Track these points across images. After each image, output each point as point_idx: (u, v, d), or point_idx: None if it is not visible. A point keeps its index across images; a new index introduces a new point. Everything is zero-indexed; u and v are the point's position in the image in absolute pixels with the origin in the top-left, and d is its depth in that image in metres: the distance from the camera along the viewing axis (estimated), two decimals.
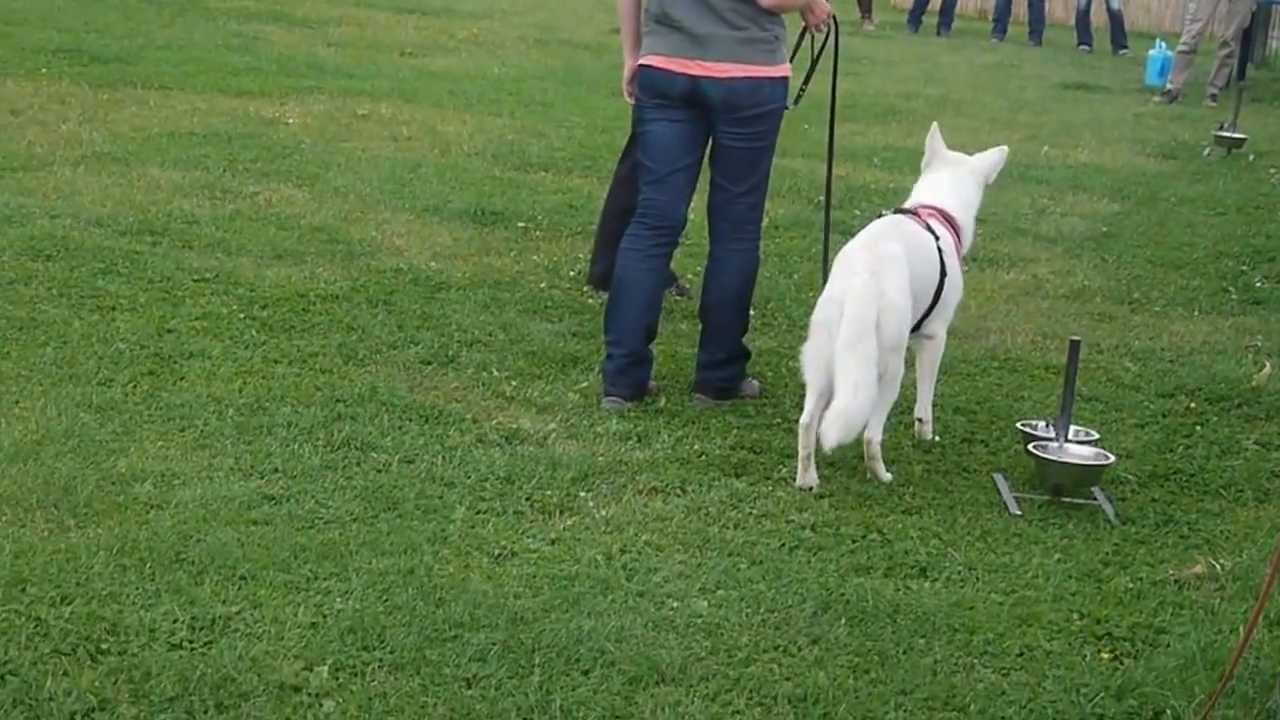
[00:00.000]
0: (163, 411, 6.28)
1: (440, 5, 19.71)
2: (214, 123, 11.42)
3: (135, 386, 6.51)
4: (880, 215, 6.84)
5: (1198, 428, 7.01)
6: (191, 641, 4.59)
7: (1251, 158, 13.60)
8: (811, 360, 6.18)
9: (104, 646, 4.52)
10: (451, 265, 8.59)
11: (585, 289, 8.33)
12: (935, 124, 7.23)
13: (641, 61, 6.91)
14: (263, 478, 5.77)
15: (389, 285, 8.12)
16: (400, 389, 6.73)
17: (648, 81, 6.87)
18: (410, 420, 6.40)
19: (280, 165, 10.39)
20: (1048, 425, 6.41)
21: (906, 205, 6.89)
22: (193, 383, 6.62)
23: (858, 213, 10.39)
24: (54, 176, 9.46)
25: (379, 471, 5.91)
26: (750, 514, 5.82)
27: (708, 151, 6.98)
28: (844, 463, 6.29)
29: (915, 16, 23.01)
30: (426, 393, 6.74)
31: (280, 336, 7.27)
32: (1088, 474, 6.17)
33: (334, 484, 5.76)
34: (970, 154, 7.09)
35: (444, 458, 6.06)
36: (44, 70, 12.49)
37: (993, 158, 7.07)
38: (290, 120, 11.83)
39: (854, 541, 5.63)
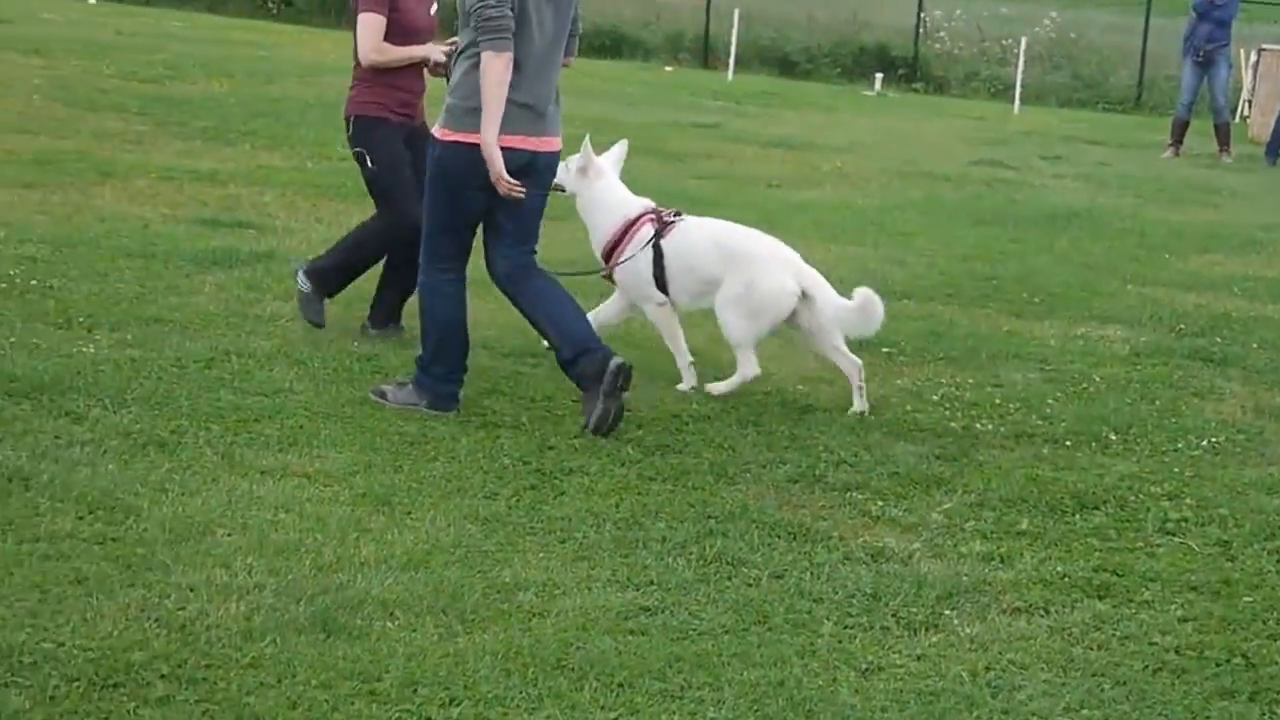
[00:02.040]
0: (544, 524, 6.59)
1: (805, 140, 20.05)
2: (587, 253, 11.77)
3: (518, 500, 6.84)
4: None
5: None
6: None
7: None
8: None
9: None
10: (818, 388, 8.80)
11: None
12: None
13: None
14: (639, 589, 6.01)
15: (758, 407, 8.37)
16: (769, 506, 6.95)
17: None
18: (779, 537, 6.61)
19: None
20: None
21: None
22: (572, 497, 6.93)
23: (1219, 340, 10.36)
24: None
25: (749, 586, 6.12)
26: (1113, 636, 5.87)
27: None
28: (1206, 587, 6.31)
29: (1274, 148, 22.58)
30: (795, 510, 6.95)
31: (655, 455, 7.55)
32: None
33: (706, 597, 5.98)
34: None
35: (812, 574, 6.25)
36: None
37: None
38: None
39: (1218, 665, 5.64)
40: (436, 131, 7.80)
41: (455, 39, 8.04)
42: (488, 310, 9.79)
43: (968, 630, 5.85)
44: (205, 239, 11.03)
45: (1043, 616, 6.02)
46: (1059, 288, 11.97)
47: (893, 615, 5.93)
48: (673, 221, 8.64)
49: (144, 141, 14.93)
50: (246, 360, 8.37)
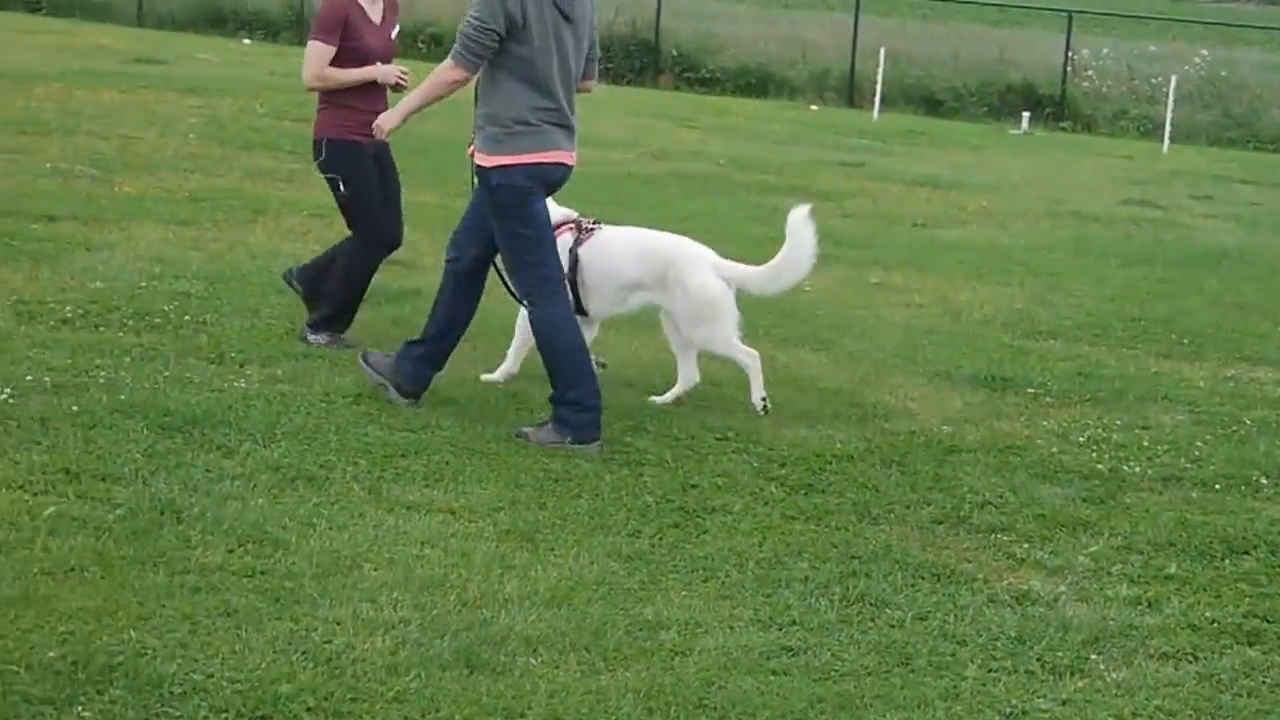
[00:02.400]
0: (687, 562, 6.61)
1: (951, 179, 19.97)
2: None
3: (661, 538, 6.86)
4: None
5: None
6: None
7: None
8: None
9: None
10: (963, 429, 8.76)
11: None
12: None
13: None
14: (781, 629, 6.02)
15: (902, 447, 8.34)
16: (913, 547, 6.93)
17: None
18: (923, 578, 6.59)
19: (798, 330, 10.75)
20: None
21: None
22: (715, 536, 6.94)
23: None
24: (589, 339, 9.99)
25: (892, 627, 6.10)
26: (1263, 683, 5.79)
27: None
28: None
29: None
30: (938, 552, 6.92)
31: (797, 494, 7.55)
32: None
33: (849, 638, 5.97)
34: None
35: (956, 616, 6.22)
36: None
37: None
38: (807, 288, 12.17)
39: None
40: (480, 159, 8.07)
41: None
42: (630, 349, 9.85)
43: (1114, 676, 5.79)
44: None
45: (1191, 663, 5.95)
46: (1208, 329, 11.83)
47: (1038, 659, 5.89)
48: (592, 229, 8.88)
49: (295, 180, 15.14)
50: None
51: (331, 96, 9.32)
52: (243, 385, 8.37)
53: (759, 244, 13.76)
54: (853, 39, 31.57)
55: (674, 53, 31.48)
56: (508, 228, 8.13)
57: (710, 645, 5.81)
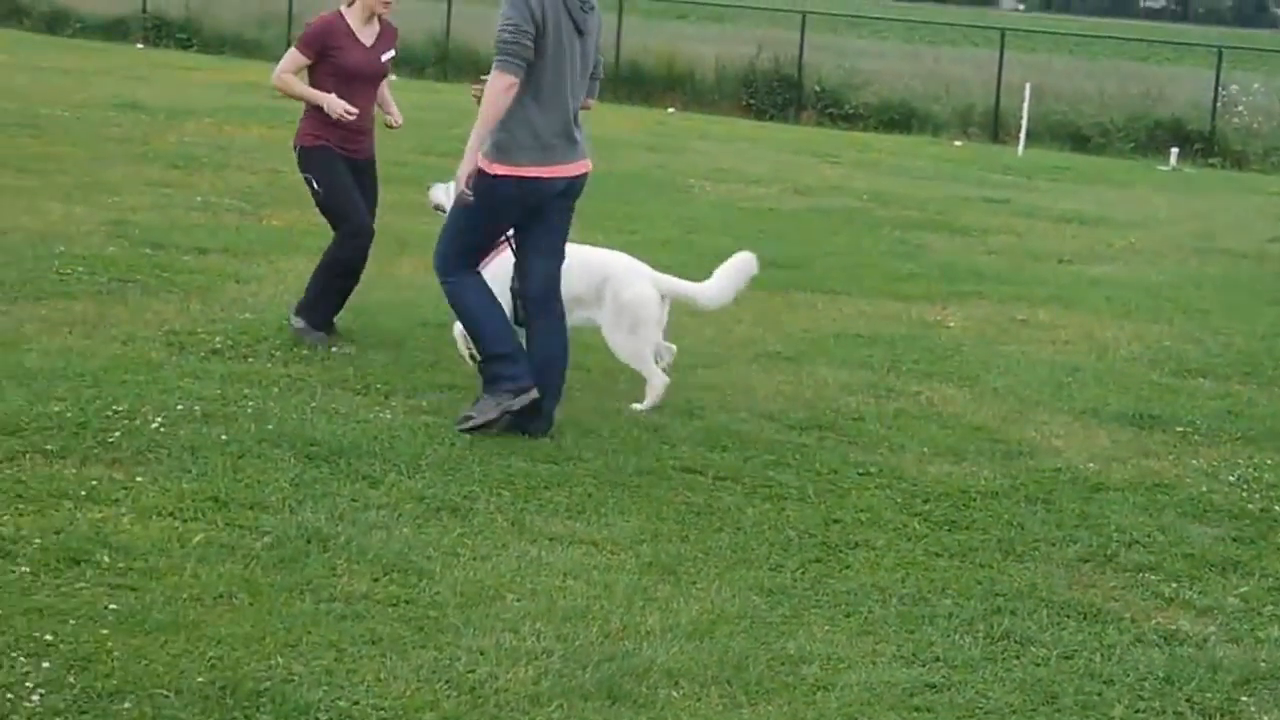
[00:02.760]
0: (829, 597, 6.58)
1: (1097, 215, 19.78)
2: (878, 325, 11.84)
3: (804, 573, 6.84)
4: None
5: None
6: None
7: None
8: None
9: None
10: (1109, 466, 8.66)
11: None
12: None
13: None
14: (924, 665, 5.97)
15: (1047, 484, 8.26)
16: (1059, 585, 6.85)
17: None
18: (1068, 616, 6.51)
19: (942, 366, 10.69)
20: None
21: None
22: (858, 571, 6.91)
23: None
24: (729, 373, 10.02)
25: (1038, 665, 6.03)
26: None
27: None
28: None
29: None
30: (1085, 590, 6.84)
31: (941, 531, 7.50)
32: None
33: (993, 675, 5.91)
34: None
35: (1102, 655, 6.14)
36: None
37: None
38: (951, 324, 12.15)
39: None
40: (483, 165, 8.26)
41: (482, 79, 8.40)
42: (773, 382, 9.85)
43: (1266, 718, 5.69)
44: None
45: None
46: None
47: (1186, 700, 5.80)
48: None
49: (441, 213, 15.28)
50: None
51: (312, 108, 9.79)
52: (388, 416, 8.45)
53: (900, 279, 13.78)
54: (997, 74, 31.39)
55: (817, 89, 31.44)
56: (474, 214, 8.37)
57: (853, 681, 5.78)
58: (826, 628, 6.27)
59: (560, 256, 8.63)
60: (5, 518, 6.60)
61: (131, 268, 11.50)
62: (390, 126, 10.23)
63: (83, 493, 6.95)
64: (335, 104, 9.68)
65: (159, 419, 7.98)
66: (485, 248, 8.61)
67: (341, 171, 9.83)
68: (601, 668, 5.69)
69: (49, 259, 11.56)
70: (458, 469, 7.73)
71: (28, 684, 5.21)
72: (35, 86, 23.65)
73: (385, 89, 10.16)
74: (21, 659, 5.37)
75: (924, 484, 8.11)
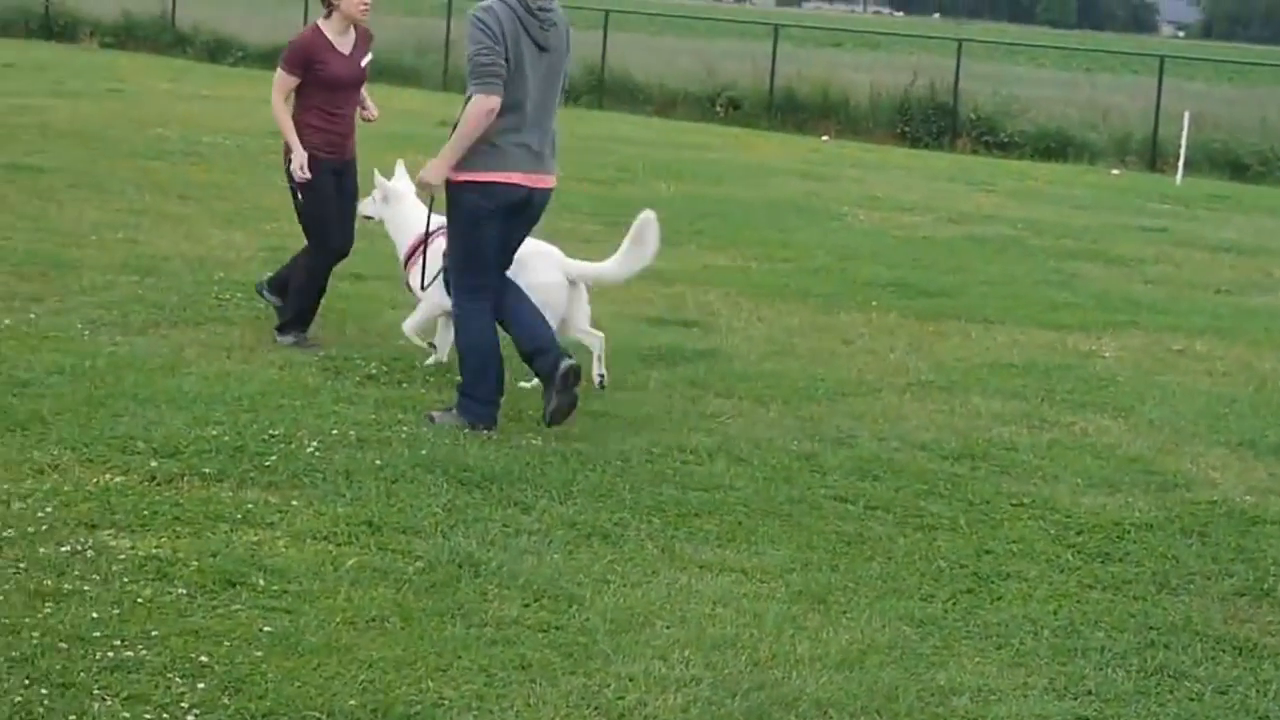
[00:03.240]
0: (980, 629, 6.53)
1: (1256, 244, 19.45)
2: (1032, 354, 11.74)
3: (955, 603, 6.79)
4: None
5: None
6: None
7: None
8: None
9: None
10: (1267, 499, 8.52)
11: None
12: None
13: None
14: (1076, 699, 5.91)
15: (1203, 516, 8.14)
16: (1214, 619, 6.75)
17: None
18: (1224, 651, 6.42)
19: (1096, 397, 10.57)
20: None
21: None
22: (1009, 603, 6.85)
23: None
24: (881, 402, 9.98)
25: (1192, 700, 5.95)
26: None
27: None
28: None
29: None
30: (1240, 625, 6.73)
31: (1094, 563, 7.42)
32: None
33: (1146, 710, 5.84)
34: None
35: (1258, 691, 6.05)
36: (874, 303, 13.14)
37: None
38: (1106, 354, 12.01)
39: None
40: (451, 174, 8.66)
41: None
42: (926, 411, 9.79)
43: None
44: (651, 336, 11.30)
45: None
46: None
47: None
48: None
49: (594, 241, 15.33)
50: (687, 455, 8.53)
51: (299, 117, 10.28)
52: (539, 443, 8.51)
53: (1056, 309, 13.65)
54: (1156, 102, 31.00)
55: (972, 116, 31.24)
56: (457, 230, 8.79)
57: (1003, 714, 5.74)
58: (977, 659, 6.22)
59: (509, 261, 9.04)
60: (163, 540, 6.73)
61: None
62: (367, 121, 10.72)
63: (239, 515, 7.07)
64: (300, 159, 10.15)
65: (314, 443, 8.09)
66: (479, 258, 8.83)
67: (326, 185, 10.31)
68: (750, 696, 5.69)
69: (208, 284, 11.77)
70: (609, 495, 7.77)
71: (183, 704, 5.31)
72: (198, 114, 24.09)
73: (363, 92, 10.71)
74: (178, 679, 5.46)
75: (1078, 515, 8.03)
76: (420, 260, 9.63)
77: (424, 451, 8.10)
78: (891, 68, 35.23)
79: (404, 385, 9.45)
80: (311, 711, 5.32)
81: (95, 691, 5.34)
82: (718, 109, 31.82)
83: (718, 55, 35.90)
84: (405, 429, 8.50)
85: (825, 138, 30.15)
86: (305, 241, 10.59)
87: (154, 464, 7.64)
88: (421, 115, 26.31)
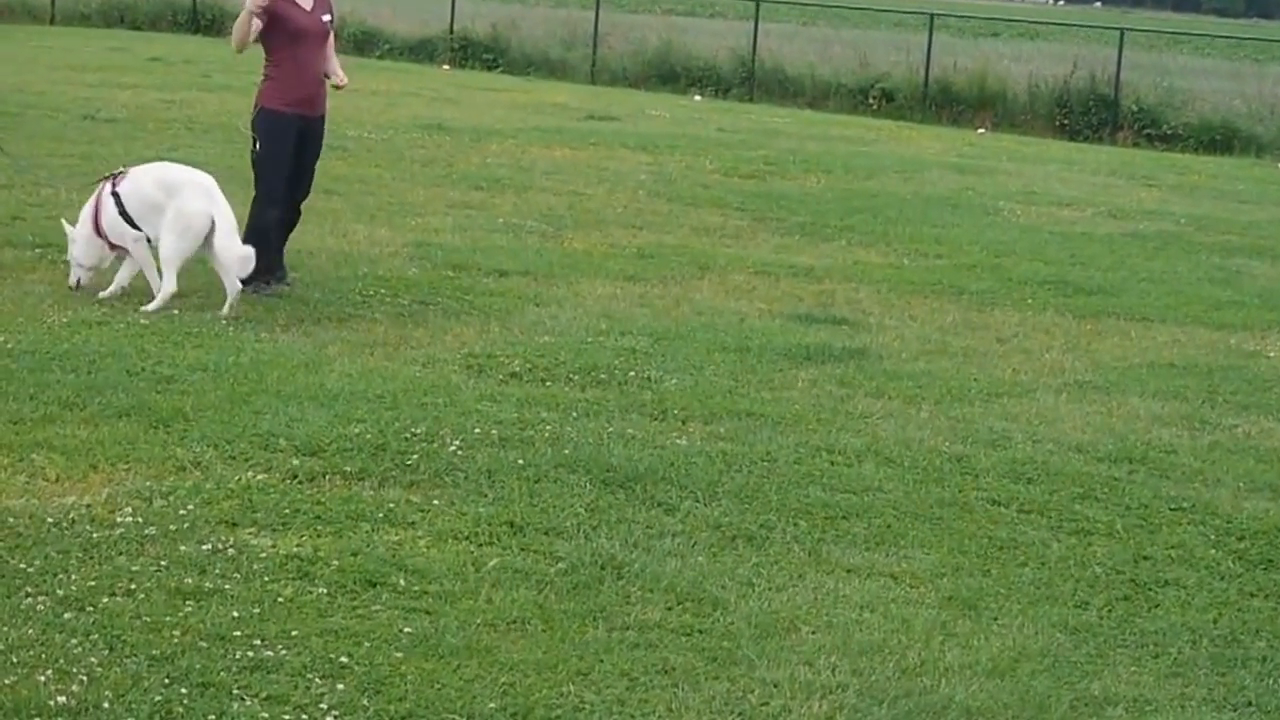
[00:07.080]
0: (1137, 637, 6.36)
1: None
2: (1193, 354, 11.46)
3: (1110, 611, 6.62)
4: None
5: None
6: None
7: None
8: None
9: None
10: None
11: None
12: None
13: None
14: (1236, 710, 5.77)
15: None
16: None
17: None
18: None
19: (1261, 398, 10.27)
20: None
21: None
22: (1167, 610, 6.66)
23: None
24: (1036, 402, 9.76)
25: None
26: None
27: None
28: None
29: None
30: None
31: (1256, 570, 7.20)
32: None
33: None
34: None
35: None
36: (1030, 300, 12.91)
37: None
38: (1271, 354, 11.70)
39: None
40: None
41: None
42: (1082, 412, 9.59)
43: None
44: (799, 334, 11.15)
45: None
46: None
47: None
48: (121, 172, 10.82)
49: (742, 236, 15.26)
50: (836, 457, 8.38)
51: (271, 72, 11.09)
52: (684, 443, 8.40)
53: (1219, 307, 13.33)
54: None
55: (1134, 108, 30.70)
56: None
57: None
58: (1133, 669, 6.07)
59: None
60: (304, 538, 6.71)
61: (432, 289, 11.65)
62: (336, 87, 11.42)
63: (380, 515, 7.04)
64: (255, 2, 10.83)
65: (457, 442, 8.04)
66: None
67: (287, 142, 11.10)
68: (898, 704, 5.58)
69: (353, 280, 11.78)
70: (754, 497, 7.65)
71: (322, 705, 5.29)
72: (344, 108, 24.12)
73: (331, 55, 11.42)
74: (317, 680, 5.44)
75: (1239, 521, 7.80)
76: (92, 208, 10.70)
77: (567, 451, 8.03)
78: (1050, 58, 34.76)
79: (547, 384, 9.38)
80: (451, 714, 5.29)
81: (235, 691, 5.34)
82: (871, 101, 31.51)
83: (871, 46, 35.55)
84: (548, 428, 8.42)
85: (981, 130, 29.78)
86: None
87: (295, 462, 7.63)
88: (568, 108, 26.35)
